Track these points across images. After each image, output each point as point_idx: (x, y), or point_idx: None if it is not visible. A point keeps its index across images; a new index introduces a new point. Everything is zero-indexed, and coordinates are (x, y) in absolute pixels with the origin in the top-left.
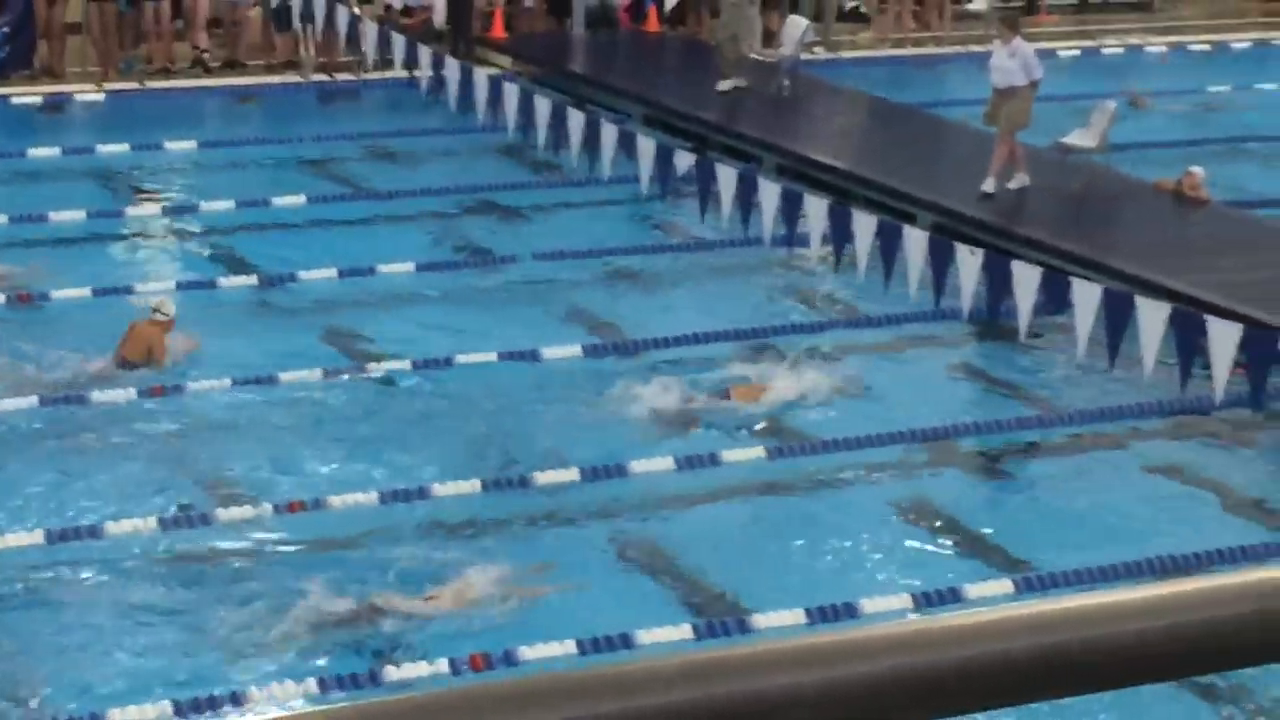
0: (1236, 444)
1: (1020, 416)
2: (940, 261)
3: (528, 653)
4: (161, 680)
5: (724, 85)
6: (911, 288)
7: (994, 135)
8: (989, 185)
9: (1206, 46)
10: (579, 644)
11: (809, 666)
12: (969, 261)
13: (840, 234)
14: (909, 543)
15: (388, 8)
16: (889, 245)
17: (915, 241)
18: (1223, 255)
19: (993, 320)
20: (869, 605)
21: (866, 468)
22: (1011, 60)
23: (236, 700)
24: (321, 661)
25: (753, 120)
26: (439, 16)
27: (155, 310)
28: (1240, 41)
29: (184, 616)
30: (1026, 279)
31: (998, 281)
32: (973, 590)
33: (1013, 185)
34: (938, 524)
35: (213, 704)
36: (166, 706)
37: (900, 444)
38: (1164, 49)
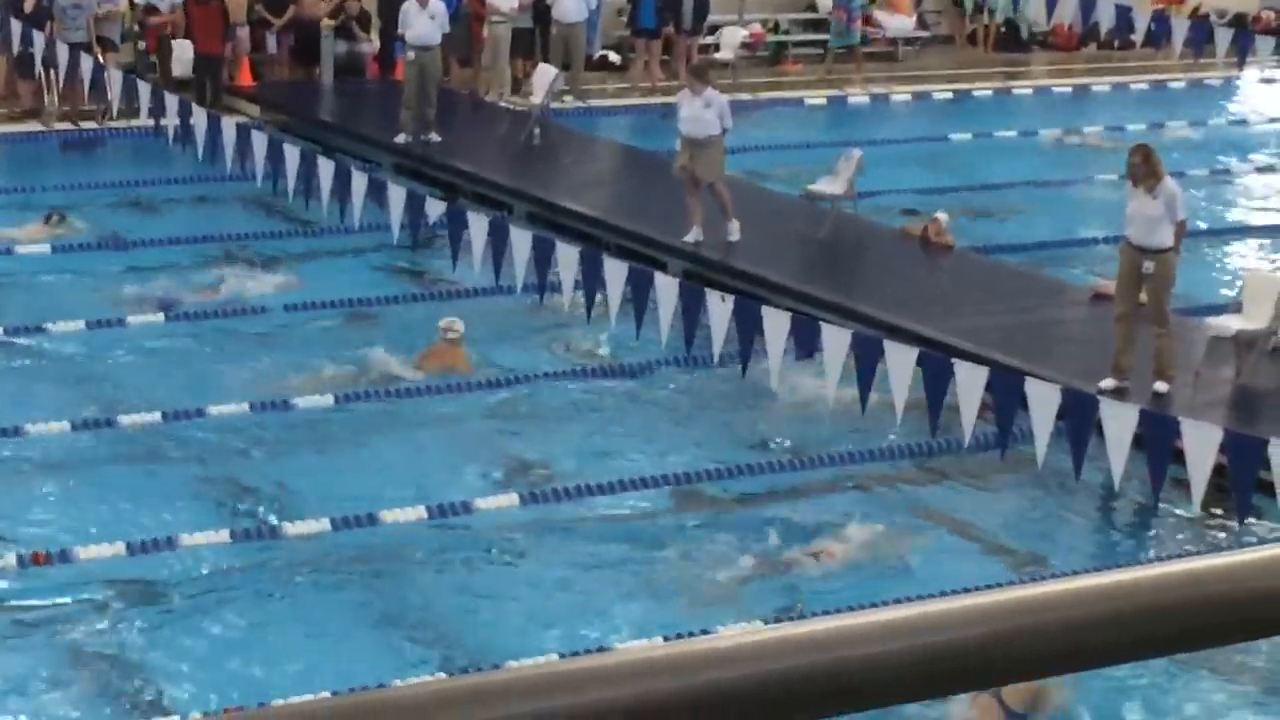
0: (983, 485)
1: (774, 461)
2: (691, 308)
3: None
4: None
5: (400, 138)
6: (663, 335)
7: (710, 188)
8: (734, 232)
9: (949, 95)
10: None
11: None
12: (720, 308)
13: (592, 281)
14: (660, 589)
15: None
16: (640, 292)
17: (666, 289)
18: (968, 300)
19: (744, 366)
20: (620, 649)
21: (622, 514)
22: (708, 111)
23: None
24: None
25: (504, 168)
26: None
27: (445, 331)
28: (981, 90)
29: None
30: (776, 325)
31: (748, 328)
32: (724, 634)
33: (689, 238)
34: (695, 571)
35: None
36: None
37: (653, 489)
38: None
